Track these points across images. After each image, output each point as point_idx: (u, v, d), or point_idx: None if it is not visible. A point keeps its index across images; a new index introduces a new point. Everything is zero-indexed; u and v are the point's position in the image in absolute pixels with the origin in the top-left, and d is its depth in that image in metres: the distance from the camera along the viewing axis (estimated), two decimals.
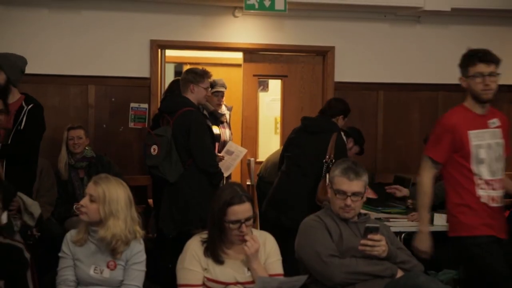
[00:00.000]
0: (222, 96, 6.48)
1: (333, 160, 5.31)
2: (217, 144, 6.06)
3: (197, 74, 5.39)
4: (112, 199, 3.51)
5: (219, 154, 5.90)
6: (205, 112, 6.13)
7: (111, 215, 3.49)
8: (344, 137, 6.09)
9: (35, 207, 4.73)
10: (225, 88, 6.64)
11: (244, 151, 6.20)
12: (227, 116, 6.57)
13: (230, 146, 6.18)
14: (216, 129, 6.17)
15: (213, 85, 6.26)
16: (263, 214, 5.63)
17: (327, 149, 5.39)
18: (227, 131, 6.43)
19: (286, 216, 5.36)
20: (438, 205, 5.46)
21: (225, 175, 5.94)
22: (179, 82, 5.61)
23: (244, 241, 3.42)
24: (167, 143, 5.19)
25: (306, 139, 5.56)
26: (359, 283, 3.63)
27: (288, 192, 5.48)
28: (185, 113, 5.25)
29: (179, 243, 3.83)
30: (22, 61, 4.94)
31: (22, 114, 4.72)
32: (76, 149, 5.87)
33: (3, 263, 3.51)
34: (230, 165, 6.07)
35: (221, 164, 5.82)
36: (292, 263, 3.87)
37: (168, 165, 5.20)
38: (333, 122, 5.64)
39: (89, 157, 5.92)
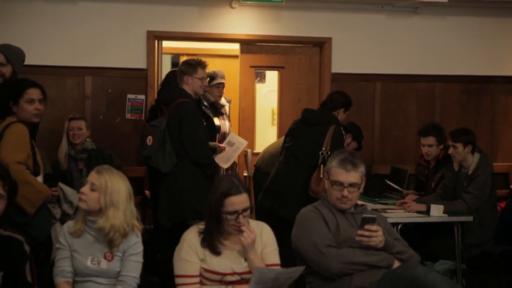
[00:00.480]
0: (223, 88, 6.46)
1: (329, 152, 5.32)
2: (217, 136, 6.05)
3: (191, 65, 5.40)
4: (113, 190, 3.53)
5: (220, 145, 5.89)
6: (205, 103, 6.12)
7: (111, 205, 3.51)
8: (343, 132, 6.10)
9: (74, 196, 4.80)
10: (225, 79, 6.60)
11: (245, 142, 6.19)
12: (227, 108, 6.56)
13: (231, 137, 6.17)
14: (216, 121, 6.16)
15: (213, 76, 6.25)
16: (259, 203, 5.64)
17: (324, 141, 5.40)
18: (227, 123, 6.43)
19: (281, 206, 5.37)
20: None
21: (225, 166, 5.94)
22: (176, 73, 5.61)
23: (241, 231, 3.43)
24: (160, 133, 5.21)
25: (304, 131, 5.57)
26: (356, 274, 3.64)
27: (284, 183, 5.49)
28: (179, 104, 5.26)
29: (175, 234, 3.83)
30: (22, 52, 4.95)
31: None
32: (76, 139, 5.86)
33: (2, 255, 3.52)
34: (231, 156, 6.06)
35: (221, 155, 5.82)
36: (288, 254, 3.88)
37: (161, 155, 5.22)
38: (332, 115, 5.65)
39: (90, 149, 5.91)
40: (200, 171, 5.27)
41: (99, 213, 3.54)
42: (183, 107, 5.25)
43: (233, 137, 6.16)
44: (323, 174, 5.25)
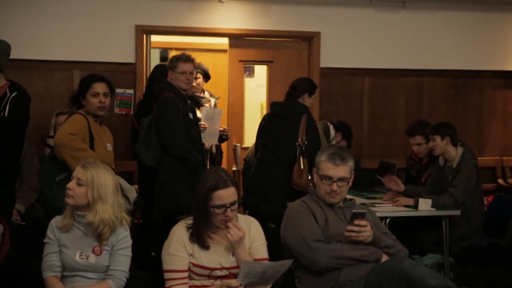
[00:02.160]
0: (196, 79, 6.36)
1: (306, 143, 5.34)
2: None
3: (172, 60, 5.38)
4: (100, 184, 3.53)
5: (201, 123, 5.82)
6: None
7: (99, 199, 3.51)
8: (333, 131, 6.12)
9: (131, 192, 4.84)
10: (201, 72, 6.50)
11: (220, 111, 6.09)
12: (212, 103, 6.53)
13: (206, 112, 6.00)
14: (197, 113, 6.11)
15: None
16: (243, 201, 5.65)
17: (298, 133, 5.41)
18: None
19: (265, 203, 5.38)
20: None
21: (215, 142, 6.01)
22: (162, 67, 5.62)
23: (227, 227, 3.44)
24: (145, 128, 5.20)
25: (276, 125, 5.59)
26: (344, 268, 3.65)
27: (264, 179, 5.52)
28: (161, 99, 5.24)
29: (164, 229, 3.83)
30: (8, 45, 4.89)
31: (4, 101, 4.64)
32: None
33: None
34: (214, 130, 5.94)
35: (206, 134, 5.76)
36: (274, 250, 3.89)
37: (145, 149, 5.20)
38: (301, 104, 5.61)
39: None
40: (182, 165, 5.21)
41: (87, 207, 3.54)
42: (162, 101, 5.22)
43: (208, 111, 6.02)
44: (303, 165, 5.28)
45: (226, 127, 6.28)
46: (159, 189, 5.22)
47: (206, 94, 6.43)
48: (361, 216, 3.64)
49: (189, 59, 5.39)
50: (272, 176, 5.47)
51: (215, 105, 6.42)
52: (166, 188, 5.17)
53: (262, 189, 5.49)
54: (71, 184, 3.56)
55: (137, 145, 5.28)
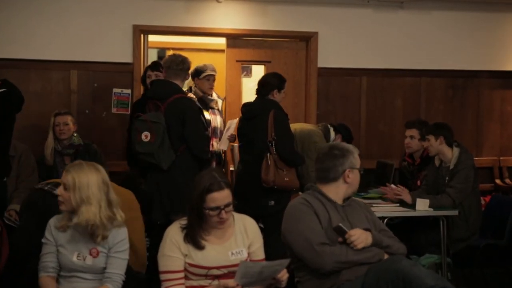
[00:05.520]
0: (213, 80, 6.40)
1: (275, 138, 5.34)
2: (209, 130, 6.04)
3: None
4: (82, 185, 3.49)
5: (232, 133, 6.07)
6: (195, 97, 6.10)
7: (82, 202, 3.48)
8: (333, 133, 6.10)
9: None
10: (216, 72, 6.52)
11: (235, 120, 6.21)
12: (219, 104, 6.53)
13: (231, 124, 6.21)
14: (206, 115, 6.12)
15: (204, 69, 6.22)
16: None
17: (267, 130, 5.40)
18: (218, 118, 6.38)
19: (246, 204, 5.37)
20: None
21: (224, 148, 6.20)
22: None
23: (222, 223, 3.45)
24: (163, 130, 5.12)
25: (248, 126, 5.60)
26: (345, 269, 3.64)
27: (245, 182, 5.55)
28: (178, 100, 5.20)
29: (163, 230, 3.81)
30: None
31: None
32: (62, 135, 5.79)
33: None
34: (224, 138, 6.21)
35: (223, 141, 6.07)
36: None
37: (162, 152, 5.14)
38: (268, 101, 5.56)
39: (77, 144, 5.85)
40: (197, 166, 5.22)
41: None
42: (183, 103, 5.22)
43: (231, 123, 6.22)
44: (270, 162, 5.31)
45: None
46: (175, 190, 5.16)
47: (214, 95, 6.44)
48: (341, 230, 3.63)
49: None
50: (252, 177, 5.46)
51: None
52: (184, 190, 5.13)
53: (245, 191, 5.47)
54: (60, 191, 3.55)
55: (151, 148, 5.17)
